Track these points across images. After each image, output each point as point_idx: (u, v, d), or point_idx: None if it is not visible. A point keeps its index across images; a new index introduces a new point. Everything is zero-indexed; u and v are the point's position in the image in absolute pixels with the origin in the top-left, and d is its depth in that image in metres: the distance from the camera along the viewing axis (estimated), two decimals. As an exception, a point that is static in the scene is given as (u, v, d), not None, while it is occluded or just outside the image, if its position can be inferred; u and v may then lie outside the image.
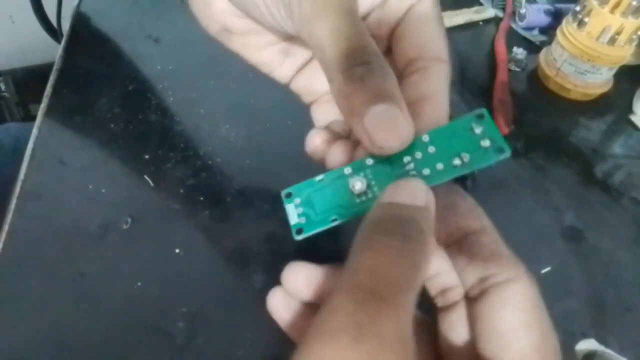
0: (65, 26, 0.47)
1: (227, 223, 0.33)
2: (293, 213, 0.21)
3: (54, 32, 0.61)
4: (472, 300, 0.18)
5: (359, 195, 0.19)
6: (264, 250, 0.32)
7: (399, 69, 0.22)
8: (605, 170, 0.41)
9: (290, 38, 0.25)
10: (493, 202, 0.36)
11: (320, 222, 0.20)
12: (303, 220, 0.20)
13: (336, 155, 0.23)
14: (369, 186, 0.19)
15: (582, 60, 0.44)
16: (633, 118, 0.46)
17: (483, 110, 0.19)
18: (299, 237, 0.20)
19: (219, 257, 0.32)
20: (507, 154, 0.18)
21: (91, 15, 0.47)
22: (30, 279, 0.30)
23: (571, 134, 0.44)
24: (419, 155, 0.19)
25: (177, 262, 0.31)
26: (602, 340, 0.30)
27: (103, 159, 0.36)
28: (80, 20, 0.46)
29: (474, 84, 0.47)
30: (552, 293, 0.32)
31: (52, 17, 0.60)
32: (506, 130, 0.42)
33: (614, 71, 0.46)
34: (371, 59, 0.18)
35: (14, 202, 0.33)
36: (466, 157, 0.19)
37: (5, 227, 0.31)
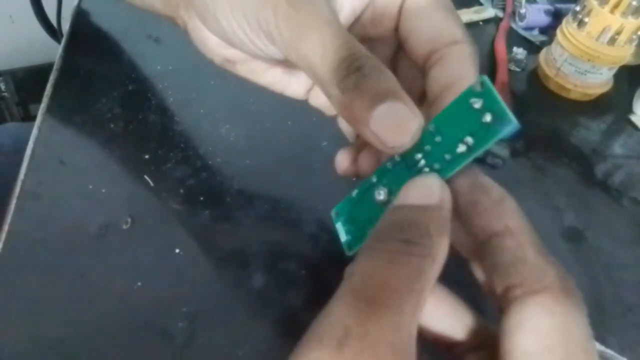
0: (65, 26, 0.47)
1: (227, 223, 0.33)
2: (341, 231, 0.21)
3: (54, 32, 0.61)
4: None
5: (384, 204, 0.19)
6: (263, 250, 0.32)
7: (420, 66, 0.22)
8: (605, 170, 0.41)
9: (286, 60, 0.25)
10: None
11: (361, 237, 0.20)
12: (350, 237, 0.21)
13: (364, 166, 0.23)
14: (390, 193, 0.19)
15: (582, 60, 0.44)
16: (633, 118, 0.46)
17: (482, 78, 0.16)
18: (350, 253, 0.21)
19: (219, 257, 0.32)
20: (513, 124, 0.16)
21: (91, 15, 0.47)
22: (30, 279, 0.29)
23: (571, 134, 0.44)
24: (428, 148, 0.18)
25: (177, 262, 0.31)
26: (602, 340, 0.30)
27: (103, 159, 0.36)
28: (80, 20, 0.46)
29: (474, 84, 0.47)
30: (552, 293, 0.32)
31: (52, 17, 0.60)
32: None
33: (614, 71, 0.46)
34: (362, 64, 0.18)
35: (14, 202, 0.33)
36: (469, 140, 0.17)
37: (5, 227, 0.31)
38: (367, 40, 0.24)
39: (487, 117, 0.16)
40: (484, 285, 0.18)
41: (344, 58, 0.18)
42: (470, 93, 0.17)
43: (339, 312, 0.14)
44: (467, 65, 0.20)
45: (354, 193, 0.21)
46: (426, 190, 0.16)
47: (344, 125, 0.26)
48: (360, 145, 0.24)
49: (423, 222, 0.15)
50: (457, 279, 0.18)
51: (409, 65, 0.23)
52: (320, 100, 0.26)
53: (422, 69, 0.21)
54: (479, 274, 0.18)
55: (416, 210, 0.16)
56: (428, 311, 0.17)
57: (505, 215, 0.16)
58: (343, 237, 0.21)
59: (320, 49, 0.18)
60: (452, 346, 0.19)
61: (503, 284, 0.15)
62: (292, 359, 0.13)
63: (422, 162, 0.18)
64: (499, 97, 0.16)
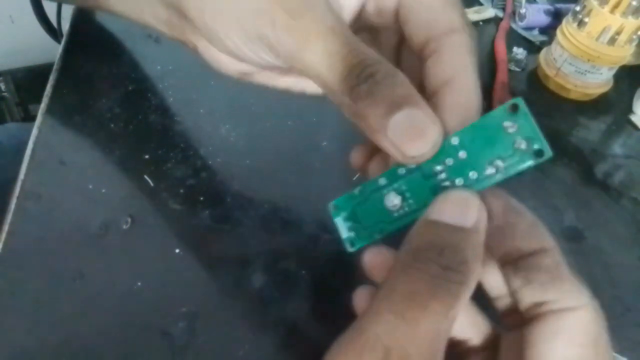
0: (65, 26, 0.47)
1: (227, 223, 0.33)
2: (343, 227, 0.21)
3: (54, 32, 0.61)
4: (525, 322, 0.17)
5: (397, 210, 0.19)
6: (263, 250, 0.32)
7: (418, 55, 0.21)
8: (605, 170, 0.41)
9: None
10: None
11: (366, 237, 0.20)
12: (353, 234, 0.21)
13: (373, 171, 0.22)
14: (404, 199, 0.19)
15: (582, 60, 0.44)
16: (633, 118, 0.46)
17: (518, 101, 0.16)
18: (352, 250, 0.21)
19: (219, 257, 0.32)
20: (548, 156, 0.16)
21: (91, 15, 0.47)
22: (30, 279, 0.29)
23: (571, 134, 0.44)
24: (449, 162, 0.18)
25: (177, 262, 0.31)
26: (602, 340, 0.30)
27: (103, 159, 0.36)
28: (80, 20, 0.46)
29: (474, 84, 0.46)
30: (552, 293, 0.32)
31: (52, 17, 0.60)
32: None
33: (614, 71, 0.46)
34: (374, 70, 0.17)
35: (14, 202, 0.33)
36: (500, 164, 0.17)
37: (5, 227, 0.31)
38: (373, 30, 0.23)
39: (522, 144, 0.16)
40: (496, 295, 0.19)
41: (353, 66, 0.17)
42: (503, 115, 0.17)
43: (378, 330, 0.14)
44: (464, 58, 0.19)
45: (357, 190, 0.21)
46: (464, 208, 0.16)
47: None
48: (374, 147, 0.23)
49: (461, 248, 0.15)
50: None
51: (412, 54, 0.22)
52: None
53: (419, 58, 0.21)
54: (492, 282, 0.18)
55: (454, 231, 0.16)
56: None
57: (542, 236, 0.17)
58: (345, 233, 0.21)
59: (326, 58, 0.17)
60: (459, 345, 0.19)
61: (537, 298, 0.16)
62: None
63: (443, 175, 0.18)
64: (536, 125, 0.16)
